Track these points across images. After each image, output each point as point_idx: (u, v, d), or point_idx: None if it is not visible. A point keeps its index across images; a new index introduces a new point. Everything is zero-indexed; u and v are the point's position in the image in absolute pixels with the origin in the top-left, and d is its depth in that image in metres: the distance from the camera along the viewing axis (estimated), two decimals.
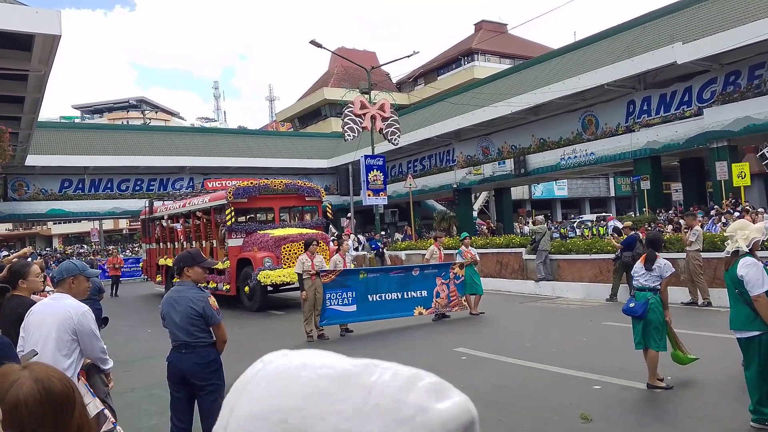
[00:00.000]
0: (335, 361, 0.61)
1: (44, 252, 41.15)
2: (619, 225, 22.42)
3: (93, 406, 3.51)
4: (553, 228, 26.84)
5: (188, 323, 4.34)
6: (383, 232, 27.51)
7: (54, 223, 54.62)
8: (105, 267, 22.62)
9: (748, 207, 16.80)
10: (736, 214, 15.26)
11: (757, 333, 4.78)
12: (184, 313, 4.35)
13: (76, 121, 62.43)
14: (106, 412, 3.61)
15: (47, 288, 5.96)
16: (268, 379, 0.61)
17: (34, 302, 4.15)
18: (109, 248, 36.73)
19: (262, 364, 0.64)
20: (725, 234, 5.02)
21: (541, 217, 18.51)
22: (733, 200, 18.52)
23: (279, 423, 0.57)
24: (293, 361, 0.62)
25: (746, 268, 4.81)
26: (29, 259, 6.49)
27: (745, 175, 18.15)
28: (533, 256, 15.37)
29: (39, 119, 21.84)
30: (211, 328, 4.42)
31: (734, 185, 18.52)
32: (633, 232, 12.82)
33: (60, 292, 3.79)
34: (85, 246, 45.56)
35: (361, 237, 27.21)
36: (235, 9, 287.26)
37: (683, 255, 11.99)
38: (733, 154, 20.30)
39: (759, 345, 4.79)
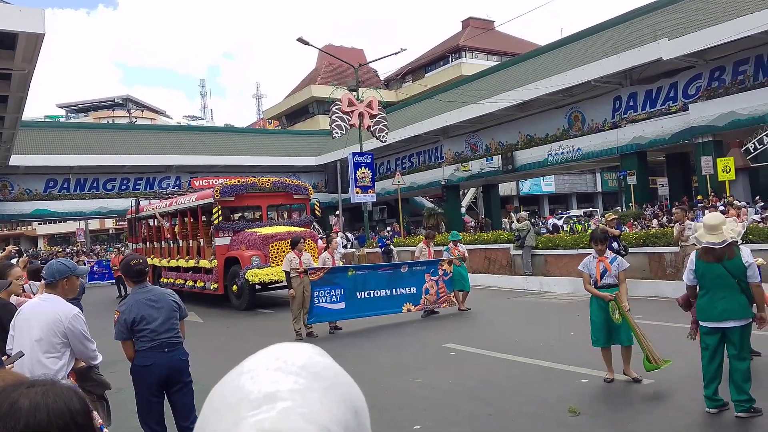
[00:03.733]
0: (265, 377, 0.63)
1: (30, 251, 40.67)
2: (559, 223, 22.39)
3: None
4: (540, 224, 26.97)
5: (172, 319, 4.36)
6: (389, 228, 27.49)
7: (39, 224, 54.10)
8: (111, 267, 22.18)
9: (733, 200, 16.98)
10: (721, 208, 15.40)
11: (749, 320, 4.93)
12: (168, 309, 4.35)
13: (61, 120, 61.81)
14: (94, 413, 3.58)
15: (32, 286, 5.89)
16: (232, 371, 0.66)
17: (11, 304, 4.11)
18: (95, 248, 36.37)
19: (259, 353, 0.68)
20: (716, 226, 4.99)
21: (525, 214, 18.62)
22: (712, 194, 18.70)
23: (201, 418, 0.64)
24: (260, 359, 0.66)
25: (750, 255, 4.96)
26: (13, 260, 6.42)
27: (730, 170, 18.34)
28: (520, 252, 15.48)
29: (23, 118, 21.59)
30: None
31: (719, 180, 18.70)
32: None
33: (50, 293, 3.73)
34: (70, 246, 45.06)
35: (349, 234, 27.19)
36: (220, 7, 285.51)
37: (671, 249, 12.10)
38: (719, 149, 20.49)
39: (748, 331, 4.94)
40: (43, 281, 3.92)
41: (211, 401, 0.64)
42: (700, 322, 5.13)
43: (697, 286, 5.14)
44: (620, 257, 6.53)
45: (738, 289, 4.90)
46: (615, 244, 12.17)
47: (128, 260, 4.51)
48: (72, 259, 20.95)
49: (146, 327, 4.25)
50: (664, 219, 19.62)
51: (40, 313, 3.56)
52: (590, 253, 6.52)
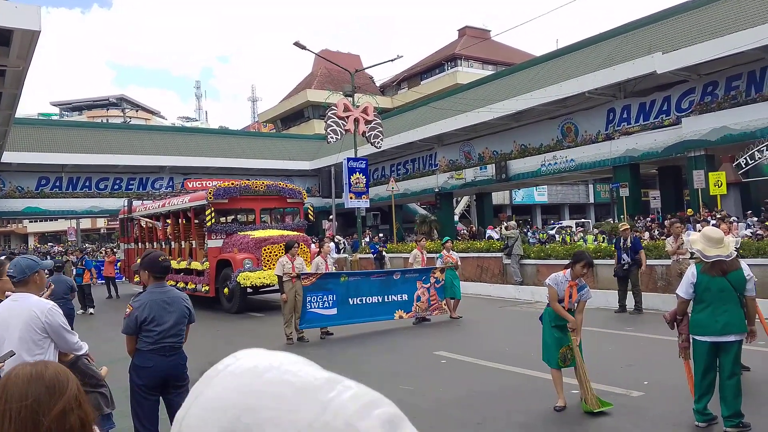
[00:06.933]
0: (301, 369, 0.62)
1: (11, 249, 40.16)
2: (495, 235, 22.44)
3: None
4: (531, 233, 27.04)
5: (181, 324, 4.34)
6: (380, 235, 27.42)
7: (30, 222, 53.78)
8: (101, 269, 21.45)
9: (726, 215, 17.09)
10: (713, 222, 15.50)
11: (746, 333, 4.97)
12: (180, 314, 4.32)
13: (55, 118, 61.53)
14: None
15: None
16: (236, 373, 0.63)
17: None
18: (86, 246, 35.98)
19: (234, 358, 0.66)
20: (720, 239, 4.98)
21: (513, 222, 18.72)
22: (706, 209, 18.84)
23: (233, 419, 0.59)
24: (263, 360, 0.64)
25: (748, 269, 4.98)
26: None
27: (721, 184, 18.45)
28: (509, 260, 15.63)
29: (16, 115, 21.48)
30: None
31: (711, 194, 18.82)
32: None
33: (22, 291, 3.66)
34: (60, 244, 44.67)
35: (342, 239, 27.15)
36: (215, 9, 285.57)
37: (662, 262, 12.16)
38: (710, 163, 20.63)
39: (742, 345, 4.98)
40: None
41: (235, 404, 0.59)
42: (696, 337, 5.01)
43: (691, 301, 5.12)
44: (588, 287, 5.90)
45: (739, 303, 4.91)
46: (625, 255, 11.80)
47: (156, 256, 4.44)
48: (61, 259, 20.71)
49: (155, 329, 4.23)
50: (656, 232, 19.70)
51: (15, 313, 3.50)
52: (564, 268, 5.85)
